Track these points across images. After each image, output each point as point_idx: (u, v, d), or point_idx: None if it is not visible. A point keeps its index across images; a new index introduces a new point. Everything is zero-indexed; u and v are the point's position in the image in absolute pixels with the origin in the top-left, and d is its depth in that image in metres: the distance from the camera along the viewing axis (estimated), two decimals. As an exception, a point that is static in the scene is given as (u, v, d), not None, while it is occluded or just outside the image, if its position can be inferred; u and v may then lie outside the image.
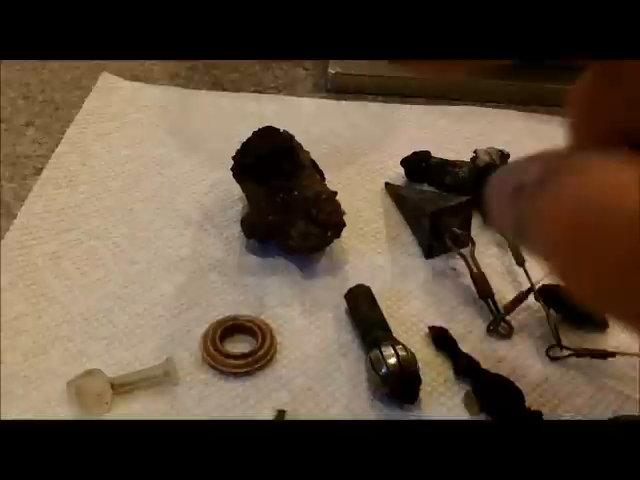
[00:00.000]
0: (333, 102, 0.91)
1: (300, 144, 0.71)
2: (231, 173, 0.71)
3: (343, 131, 0.86)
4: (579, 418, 0.56)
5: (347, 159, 0.81)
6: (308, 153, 0.71)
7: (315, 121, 0.87)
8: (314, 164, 0.75)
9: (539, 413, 0.55)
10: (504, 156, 0.74)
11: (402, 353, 0.57)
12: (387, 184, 0.78)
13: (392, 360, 0.56)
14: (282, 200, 0.66)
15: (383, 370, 0.56)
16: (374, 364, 0.57)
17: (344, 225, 0.67)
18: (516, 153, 0.82)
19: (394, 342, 0.58)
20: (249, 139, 0.71)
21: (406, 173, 0.79)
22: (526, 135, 0.87)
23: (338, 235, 0.66)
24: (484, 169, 0.73)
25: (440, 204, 0.69)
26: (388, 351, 0.57)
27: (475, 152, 0.74)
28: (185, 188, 0.76)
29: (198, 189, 0.75)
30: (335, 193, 0.67)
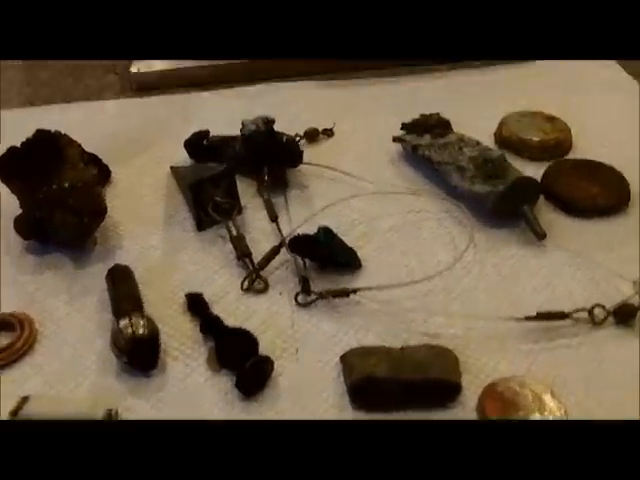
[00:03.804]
0: (136, 100, 0.94)
1: (71, 140, 0.73)
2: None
3: (142, 126, 0.89)
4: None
5: (138, 151, 0.84)
6: (77, 147, 0.73)
7: (116, 121, 0.90)
8: (96, 159, 0.78)
9: (267, 358, 0.58)
10: (269, 122, 0.76)
11: (138, 324, 0.59)
12: (172, 167, 0.80)
13: (128, 331, 0.58)
14: (44, 195, 0.68)
15: (121, 342, 0.59)
16: (114, 338, 0.59)
17: (104, 210, 0.69)
18: (307, 118, 0.85)
19: (135, 315, 0.60)
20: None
21: (189, 154, 0.81)
22: (319, 100, 0.91)
23: (98, 221, 0.69)
24: (249, 136, 0.76)
25: (201, 175, 0.72)
26: (124, 323, 0.59)
27: (242, 123, 0.76)
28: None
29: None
30: (95, 181, 0.70)
